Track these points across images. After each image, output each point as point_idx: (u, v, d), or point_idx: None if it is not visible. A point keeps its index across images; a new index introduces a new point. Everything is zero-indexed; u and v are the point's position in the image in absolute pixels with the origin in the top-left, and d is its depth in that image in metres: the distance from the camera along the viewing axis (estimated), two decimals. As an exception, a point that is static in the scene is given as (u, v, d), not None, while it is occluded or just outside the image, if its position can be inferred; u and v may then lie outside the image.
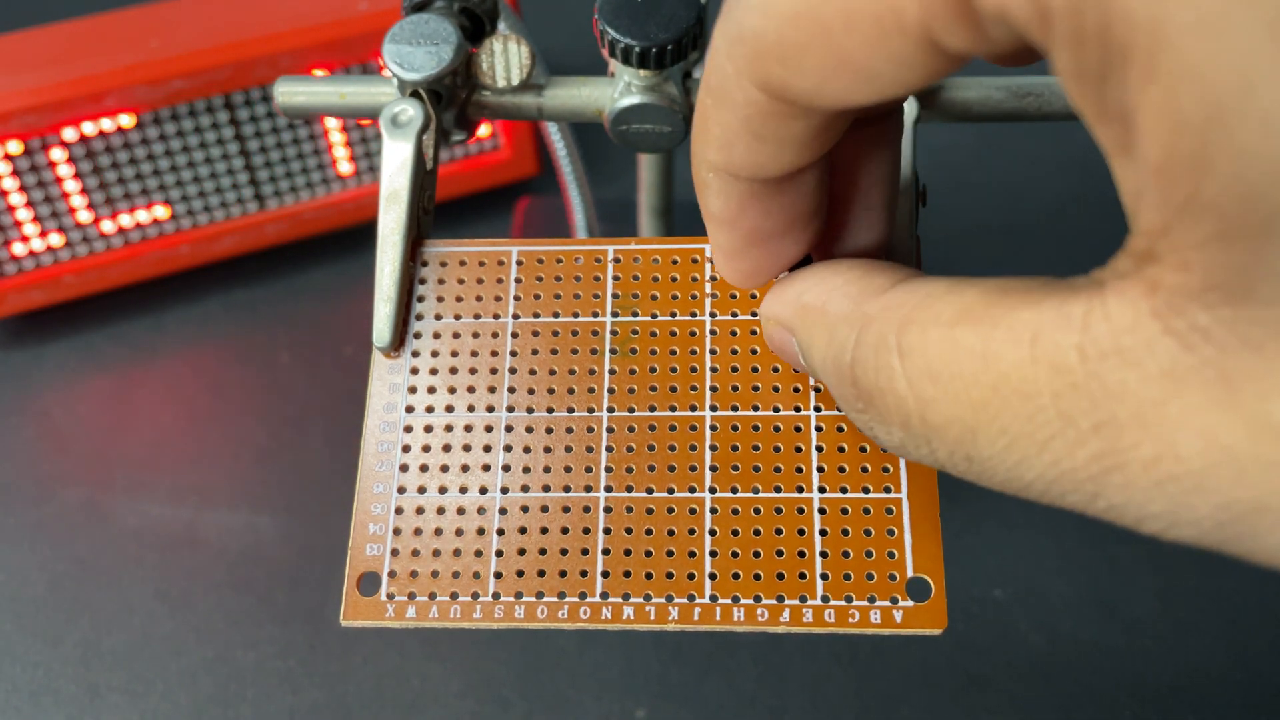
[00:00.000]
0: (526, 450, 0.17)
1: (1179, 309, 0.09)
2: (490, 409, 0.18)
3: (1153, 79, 0.09)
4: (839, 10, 0.11)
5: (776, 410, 0.17)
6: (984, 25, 0.10)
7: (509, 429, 0.17)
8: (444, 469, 0.17)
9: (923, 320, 0.12)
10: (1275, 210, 0.08)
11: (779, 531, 0.16)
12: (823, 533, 0.16)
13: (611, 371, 0.18)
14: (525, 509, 0.17)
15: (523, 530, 0.17)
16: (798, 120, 0.12)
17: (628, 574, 0.16)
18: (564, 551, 0.16)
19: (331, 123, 0.37)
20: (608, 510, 0.17)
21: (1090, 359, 0.10)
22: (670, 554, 0.16)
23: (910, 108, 0.19)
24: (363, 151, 0.38)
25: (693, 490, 0.17)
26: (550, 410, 0.17)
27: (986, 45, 0.10)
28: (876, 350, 0.12)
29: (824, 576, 0.16)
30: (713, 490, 0.17)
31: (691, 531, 0.16)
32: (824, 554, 0.16)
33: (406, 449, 0.17)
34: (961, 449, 0.12)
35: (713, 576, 0.16)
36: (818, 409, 0.17)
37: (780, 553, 0.16)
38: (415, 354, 0.18)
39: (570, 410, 0.17)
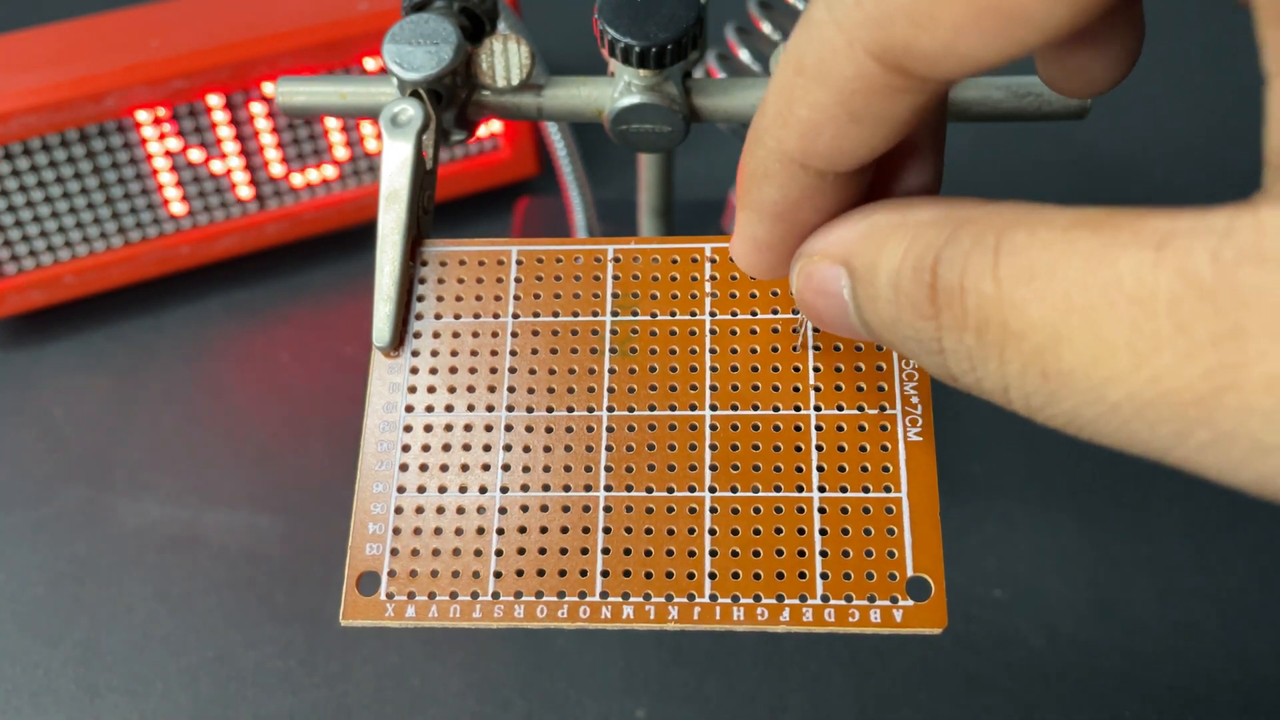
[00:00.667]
0: (526, 450, 0.17)
1: None
2: (490, 409, 0.18)
3: None
4: None
5: (776, 410, 0.17)
6: None
7: (509, 429, 0.17)
8: (444, 468, 0.17)
9: (1032, 222, 0.11)
10: None
11: (779, 531, 0.16)
12: (823, 532, 0.16)
13: (611, 371, 0.18)
14: (525, 508, 0.17)
15: (522, 530, 0.17)
16: (905, 96, 0.12)
17: (627, 573, 0.16)
18: (564, 551, 0.16)
19: (331, 121, 0.37)
20: (607, 510, 0.17)
21: (1225, 264, 0.09)
22: (670, 553, 0.16)
23: None
24: (364, 151, 0.38)
25: (693, 490, 0.17)
26: (550, 410, 0.17)
27: None
28: (972, 247, 0.11)
29: (824, 576, 0.16)
30: (713, 490, 0.17)
31: (691, 531, 0.16)
32: (824, 553, 0.16)
33: (406, 449, 0.17)
34: (1038, 361, 0.10)
35: (712, 576, 0.16)
36: (818, 408, 0.17)
37: (780, 552, 0.16)
38: (415, 354, 0.18)
39: (570, 410, 0.17)
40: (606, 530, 0.16)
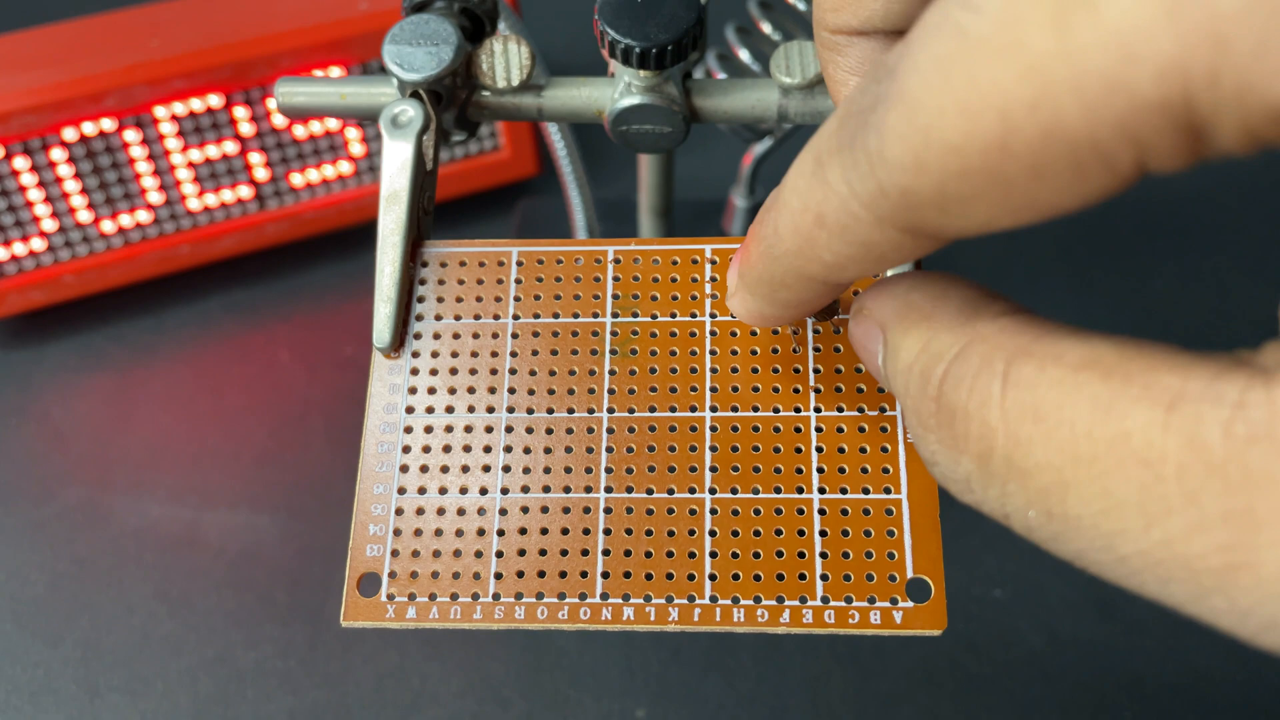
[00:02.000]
0: (526, 451, 0.17)
1: None
2: (490, 409, 0.18)
3: None
4: (1027, 164, 0.09)
5: (776, 410, 0.17)
6: (1211, 139, 0.09)
7: (509, 429, 0.17)
8: (444, 469, 0.17)
9: (1041, 355, 0.11)
10: None
11: (779, 532, 0.16)
12: (823, 533, 0.16)
13: (611, 371, 0.18)
14: (525, 509, 0.17)
15: (523, 531, 0.17)
16: (928, 244, 0.12)
17: (628, 574, 0.16)
18: (564, 552, 0.16)
19: (331, 123, 0.37)
20: (608, 511, 0.17)
21: (1237, 440, 0.09)
22: (670, 554, 0.16)
23: None
24: (363, 152, 0.38)
25: (693, 490, 0.17)
26: (550, 411, 0.17)
27: (1201, 155, 0.09)
28: (979, 371, 0.11)
29: (824, 577, 0.16)
30: (713, 491, 0.17)
31: (691, 532, 0.16)
32: (824, 555, 0.16)
33: (407, 449, 0.17)
34: (1045, 501, 0.10)
35: (713, 577, 0.16)
36: (818, 409, 0.17)
37: (780, 553, 0.16)
38: (415, 354, 0.18)
39: (570, 410, 0.17)
40: (607, 531, 0.16)
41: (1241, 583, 0.09)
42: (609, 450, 0.17)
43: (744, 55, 0.31)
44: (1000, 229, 0.11)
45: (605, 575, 0.16)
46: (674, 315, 0.18)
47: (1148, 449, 0.09)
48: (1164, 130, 0.09)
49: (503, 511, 0.17)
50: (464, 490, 0.17)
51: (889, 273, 0.16)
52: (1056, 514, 0.10)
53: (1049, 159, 0.09)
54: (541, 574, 0.16)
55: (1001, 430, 0.11)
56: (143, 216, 0.36)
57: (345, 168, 0.38)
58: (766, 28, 0.31)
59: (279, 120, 0.36)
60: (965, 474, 0.11)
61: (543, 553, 0.16)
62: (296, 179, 0.37)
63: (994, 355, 0.11)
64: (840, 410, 0.17)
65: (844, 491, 0.16)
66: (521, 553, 0.16)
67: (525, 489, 0.17)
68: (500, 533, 0.17)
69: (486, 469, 0.17)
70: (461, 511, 0.17)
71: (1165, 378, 0.10)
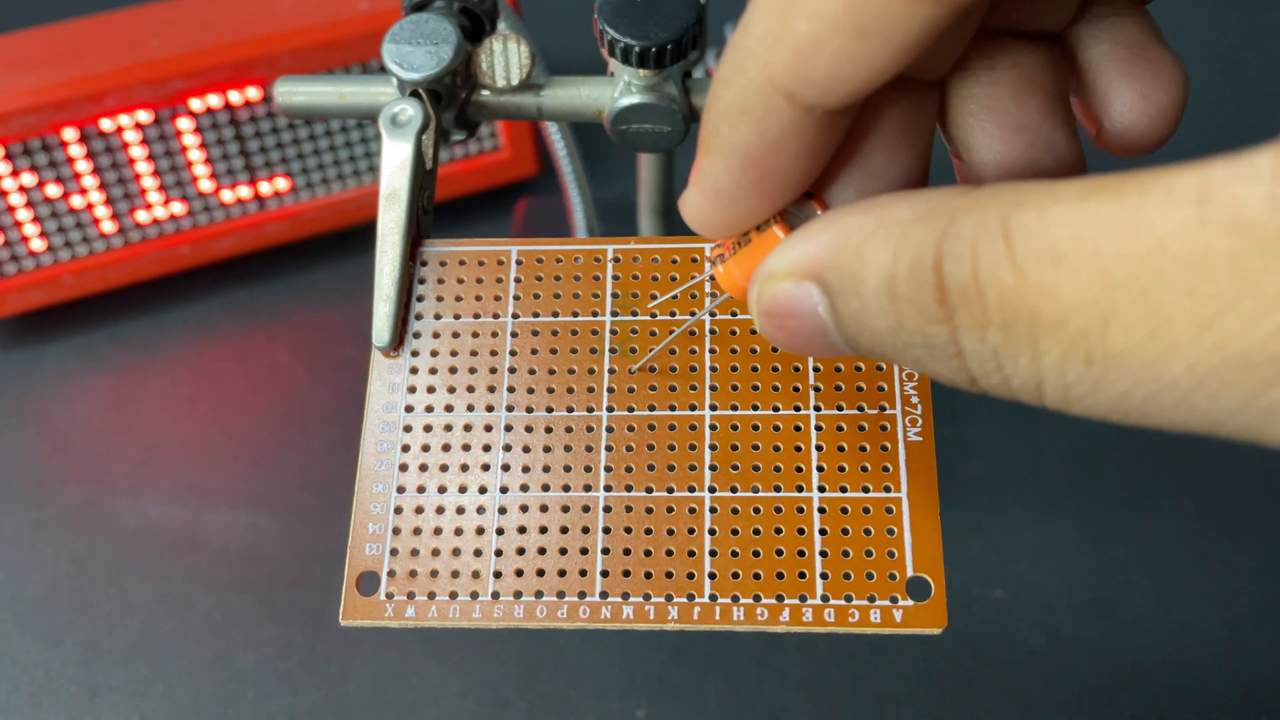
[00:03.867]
0: (526, 450, 0.17)
1: None
2: (490, 409, 0.18)
3: None
4: None
5: (776, 410, 0.17)
6: None
7: (508, 429, 0.17)
8: (443, 469, 0.17)
9: (1039, 199, 0.10)
10: None
11: (779, 531, 0.16)
12: (822, 532, 0.16)
13: (611, 371, 0.18)
14: (525, 508, 0.17)
15: (522, 530, 0.17)
16: (924, 5, 0.11)
17: (627, 573, 0.16)
18: (563, 551, 0.16)
19: (333, 122, 0.37)
20: (607, 510, 0.17)
21: None
22: (670, 553, 0.16)
23: None
24: (363, 151, 0.38)
25: (692, 490, 0.17)
26: (550, 410, 0.17)
27: None
28: (977, 237, 0.10)
29: (824, 576, 0.16)
30: (712, 490, 0.17)
31: (691, 531, 0.16)
32: (824, 553, 0.16)
33: (406, 449, 0.17)
34: (1082, 347, 0.10)
35: (712, 576, 0.16)
36: (818, 408, 0.17)
37: (780, 552, 0.16)
38: (415, 354, 0.18)
39: (570, 410, 0.17)
40: (606, 530, 0.16)
41: None
42: (608, 449, 0.17)
43: (744, 55, 0.31)
44: None
45: (605, 574, 0.16)
46: (674, 314, 0.18)
47: (1190, 249, 0.09)
48: None
49: (502, 510, 0.17)
50: (463, 489, 0.17)
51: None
52: (1098, 356, 0.10)
53: None
54: (541, 573, 0.16)
55: (1020, 286, 0.10)
56: (142, 216, 0.36)
57: (346, 168, 0.38)
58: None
59: (279, 119, 0.36)
60: (993, 349, 0.10)
61: (542, 551, 0.16)
62: (296, 179, 0.37)
63: (986, 219, 0.10)
64: (840, 408, 0.17)
65: (844, 490, 0.16)
66: (521, 552, 0.16)
67: (525, 488, 0.17)
68: (499, 532, 0.17)
69: (486, 468, 0.17)
70: (461, 510, 0.17)
71: (1184, 177, 0.09)
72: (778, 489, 0.16)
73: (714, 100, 0.13)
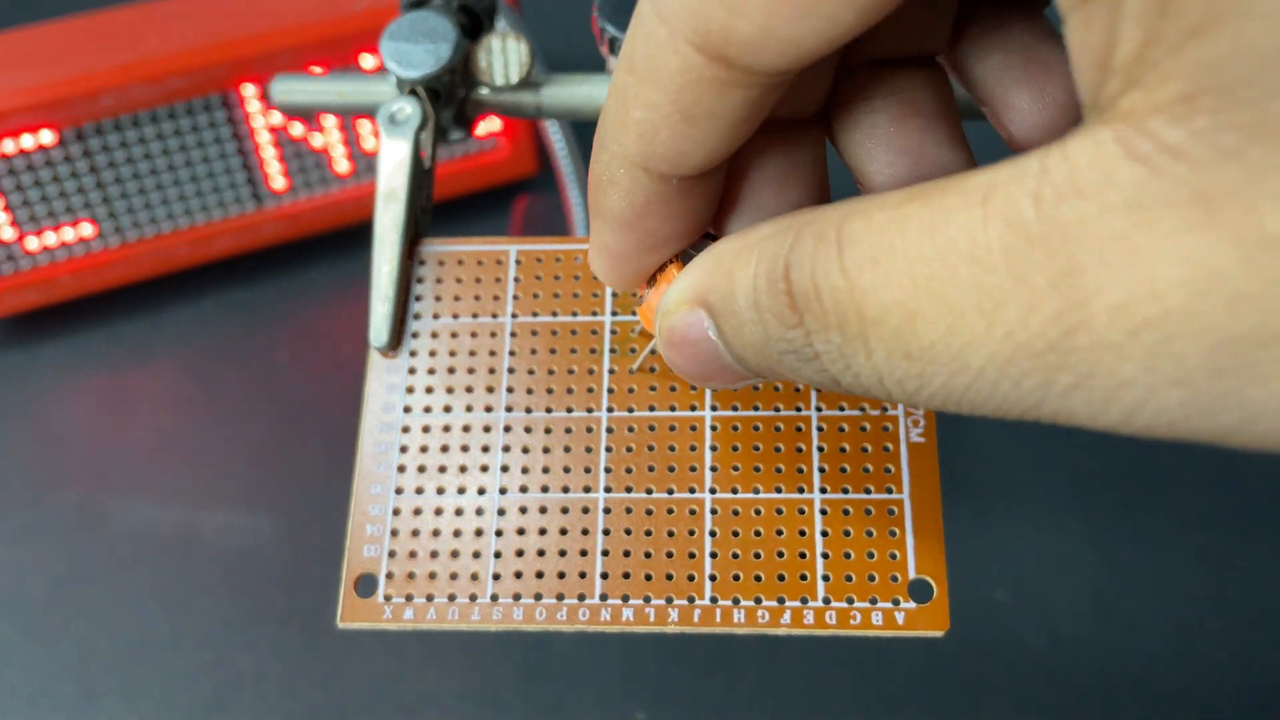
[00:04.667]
0: (525, 450, 0.17)
1: (1144, 130, 0.08)
2: (489, 409, 0.17)
3: None
4: None
5: (777, 410, 0.17)
6: None
7: (507, 429, 0.17)
8: (442, 469, 0.17)
9: (867, 209, 0.11)
10: None
11: (779, 532, 0.16)
12: (824, 534, 0.16)
13: (611, 371, 0.17)
14: (524, 510, 0.17)
15: (521, 531, 0.16)
16: (736, 91, 0.12)
17: (627, 575, 0.16)
18: (563, 552, 0.16)
19: (328, 121, 0.37)
20: (607, 511, 0.16)
21: (1046, 203, 0.09)
22: (670, 555, 0.16)
23: None
24: (361, 151, 0.38)
25: (692, 491, 0.16)
26: (549, 410, 0.17)
27: None
28: (815, 246, 0.11)
29: (825, 578, 0.16)
30: (713, 491, 0.16)
31: (691, 532, 0.16)
32: (825, 555, 0.16)
33: (404, 449, 0.17)
34: (900, 343, 0.10)
35: (713, 578, 0.16)
36: (819, 409, 0.17)
37: (781, 554, 0.16)
38: (413, 354, 0.18)
39: (570, 410, 0.17)
40: (606, 532, 0.16)
41: (1079, 344, 0.09)
42: (608, 450, 0.17)
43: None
44: (802, 44, 0.11)
45: (604, 576, 0.16)
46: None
47: (973, 246, 0.09)
48: None
49: (501, 512, 0.17)
50: (462, 490, 0.17)
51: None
52: (914, 351, 0.10)
53: None
54: (540, 574, 0.16)
55: (847, 288, 0.11)
56: (140, 216, 0.36)
57: (343, 167, 0.38)
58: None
59: (277, 118, 0.36)
60: (837, 348, 0.11)
61: (541, 553, 0.16)
62: (294, 178, 0.37)
63: (825, 228, 0.11)
64: (841, 410, 0.17)
65: (845, 491, 0.16)
66: (520, 553, 0.16)
67: (524, 489, 0.17)
68: (498, 533, 0.16)
69: (485, 469, 0.17)
70: (459, 512, 0.17)
71: (975, 179, 0.10)
72: (779, 490, 0.16)
73: (591, 168, 0.14)
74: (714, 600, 0.16)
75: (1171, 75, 0.08)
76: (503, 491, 0.17)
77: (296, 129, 0.36)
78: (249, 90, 0.35)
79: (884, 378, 0.11)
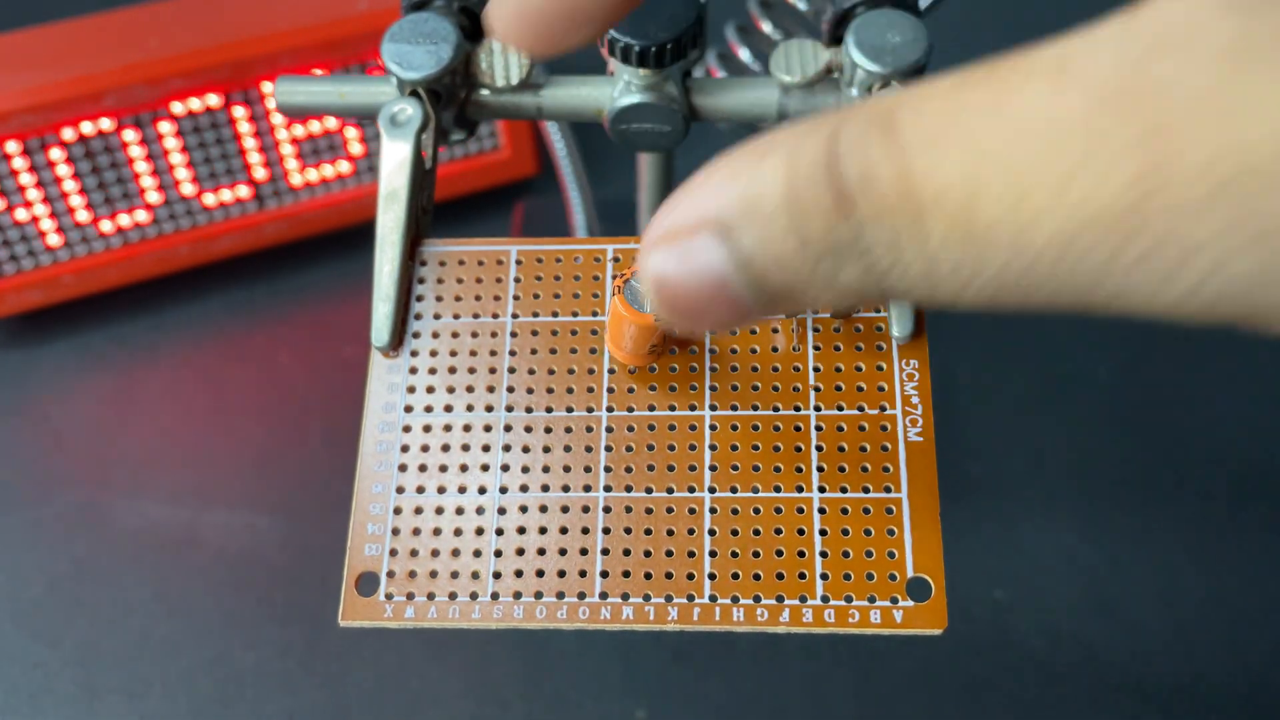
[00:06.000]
0: (526, 450, 0.17)
1: None
2: (489, 409, 0.17)
3: None
4: None
5: (776, 410, 0.17)
6: None
7: (508, 429, 0.17)
8: (443, 469, 0.17)
9: (915, 98, 0.10)
10: None
11: (779, 531, 0.16)
12: (823, 532, 0.16)
13: (611, 371, 0.17)
14: (524, 509, 0.17)
15: (522, 530, 0.17)
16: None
17: (627, 574, 0.16)
18: (563, 551, 0.16)
19: (331, 122, 0.37)
20: (607, 510, 0.17)
21: (1134, 63, 0.09)
22: (670, 554, 0.16)
23: None
24: (361, 151, 0.38)
25: (692, 490, 0.17)
26: (549, 410, 0.17)
27: None
28: (867, 130, 0.10)
29: (824, 576, 0.16)
30: (712, 490, 0.17)
31: (691, 531, 0.16)
32: (824, 554, 0.16)
33: (405, 449, 0.17)
34: (960, 224, 0.10)
35: (712, 576, 0.16)
36: (818, 408, 0.17)
37: (780, 552, 0.16)
38: (414, 354, 0.18)
39: (570, 410, 0.17)
40: (606, 530, 0.16)
41: (1156, 205, 0.09)
42: (608, 449, 0.17)
43: (744, 55, 0.31)
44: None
45: (604, 574, 0.16)
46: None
47: (1048, 113, 0.09)
48: None
49: (501, 511, 0.17)
50: (463, 489, 0.17)
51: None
52: (975, 232, 0.10)
53: None
54: (540, 573, 0.16)
55: (904, 170, 0.10)
56: (141, 216, 0.36)
57: (345, 167, 0.38)
58: (766, 27, 0.31)
59: (278, 119, 0.36)
60: (890, 237, 0.10)
61: (541, 552, 0.16)
62: (296, 179, 0.37)
63: (869, 121, 0.11)
64: (840, 409, 0.17)
65: (844, 490, 0.16)
66: (520, 552, 0.16)
67: (524, 488, 0.17)
68: (499, 532, 0.17)
69: (485, 468, 0.17)
70: (460, 511, 0.17)
71: (1044, 54, 0.09)
72: (778, 489, 0.16)
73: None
74: (713, 599, 0.16)
75: None
76: (503, 490, 0.17)
77: (299, 130, 0.36)
78: (252, 92, 0.35)
79: (935, 264, 0.10)
